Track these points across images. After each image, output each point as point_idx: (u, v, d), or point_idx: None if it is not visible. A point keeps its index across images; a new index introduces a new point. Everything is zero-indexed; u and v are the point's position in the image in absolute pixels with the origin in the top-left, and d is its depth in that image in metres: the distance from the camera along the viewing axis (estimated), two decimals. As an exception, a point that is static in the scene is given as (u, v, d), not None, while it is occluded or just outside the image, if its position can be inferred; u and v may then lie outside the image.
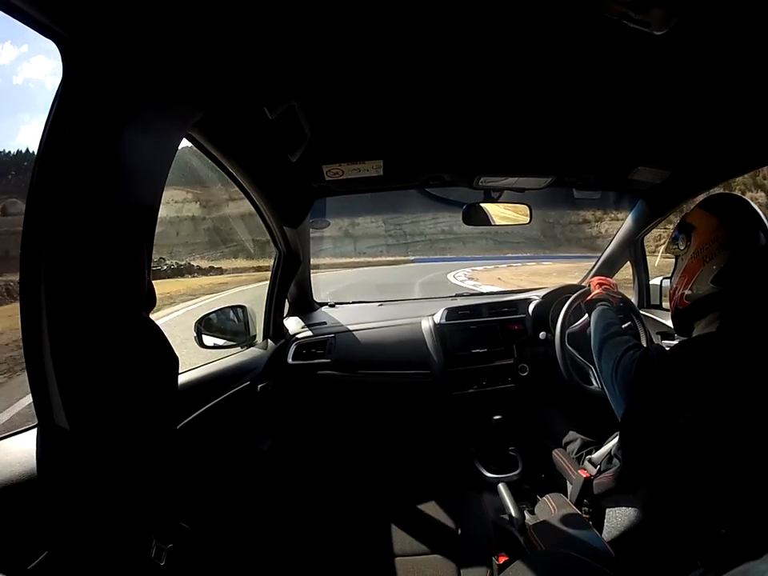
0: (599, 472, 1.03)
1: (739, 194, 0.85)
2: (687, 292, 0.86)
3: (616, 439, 1.04)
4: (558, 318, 1.45)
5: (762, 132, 1.08)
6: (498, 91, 0.93)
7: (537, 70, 0.85)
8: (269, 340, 1.59)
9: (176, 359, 0.71)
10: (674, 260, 0.94)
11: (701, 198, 1.03)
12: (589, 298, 1.24)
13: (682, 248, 0.89)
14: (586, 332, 1.34)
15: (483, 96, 0.95)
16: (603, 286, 1.26)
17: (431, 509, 1.10)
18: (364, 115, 1.03)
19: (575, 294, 1.43)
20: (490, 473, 1.46)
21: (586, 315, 1.34)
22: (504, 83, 0.90)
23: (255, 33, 0.67)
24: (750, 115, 1.02)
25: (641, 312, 1.53)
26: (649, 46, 0.71)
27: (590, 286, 1.31)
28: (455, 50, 0.77)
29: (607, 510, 0.94)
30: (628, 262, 1.95)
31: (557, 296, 1.71)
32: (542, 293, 1.79)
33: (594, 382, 1.31)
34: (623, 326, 1.20)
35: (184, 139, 0.76)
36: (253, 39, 0.69)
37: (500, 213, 1.60)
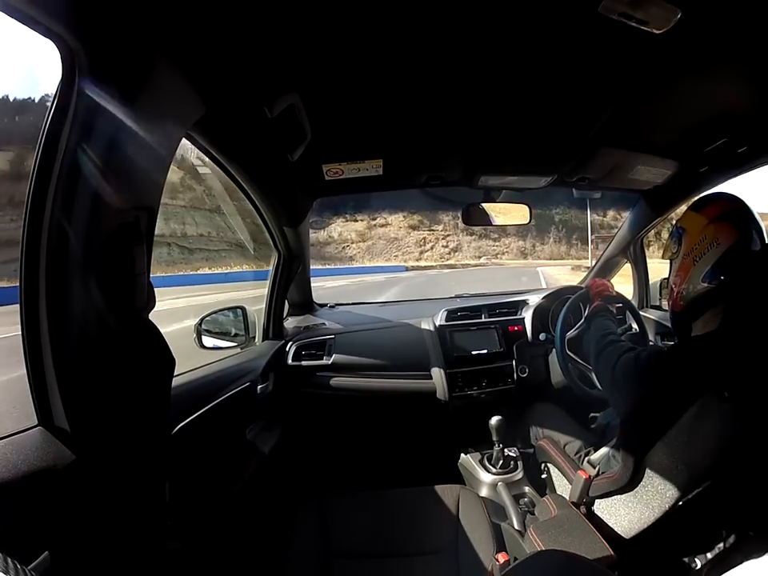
0: (599, 473, 1.03)
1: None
2: (681, 293, 0.87)
3: (616, 440, 1.04)
4: (558, 318, 1.44)
5: (762, 130, 1.08)
6: (498, 90, 0.93)
7: (536, 69, 0.85)
8: (268, 341, 1.59)
9: (173, 361, 0.72)
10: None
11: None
12: (590, 311, 1.24)
13: (674, 251, 0.90)
14: (583, 338, 1.34)
15: (483, 95, 0.95)
16: (603, 294, 1.26)
17: (431, 509, 1.10)
18: (364, 114, 1.03)
19: (575, 295, 1.43)
20: (490, 473, 1.46)
21: (582, 320, 1.33)
22: (504, 82, 0.90)
23: (255, 31, 0.67)
24: (750, 114, 1.02)
25: (641, 313, 1.53)
26: (648, 44, 0.71)
27: (589, 291, 1.31)
28: (455, 48, 0.76)
29: (607, 511, 0.94)
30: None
31: (557, 297, 1.72)
32: (542, 294, 1.79)
33: (598, 386, 1.31)
34: (621, 331, 1.20)
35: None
36: (253, 37, 0.69)
37: (500, 212, 1.60)
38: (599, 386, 1.29)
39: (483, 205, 1.56)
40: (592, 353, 1.06)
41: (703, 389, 0.72)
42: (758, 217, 0.81)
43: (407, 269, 34.44)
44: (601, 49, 0.77)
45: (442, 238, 45.52)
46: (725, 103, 0.98)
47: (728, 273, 0.79)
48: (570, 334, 1.37)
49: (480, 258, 43.66)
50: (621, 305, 1.52)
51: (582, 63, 0.82)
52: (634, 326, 1.50)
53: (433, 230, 45.73)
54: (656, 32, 0.66)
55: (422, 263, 40.11)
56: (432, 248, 45.07)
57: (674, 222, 0.96)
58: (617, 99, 0.98)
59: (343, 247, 43.69)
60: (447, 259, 42.84)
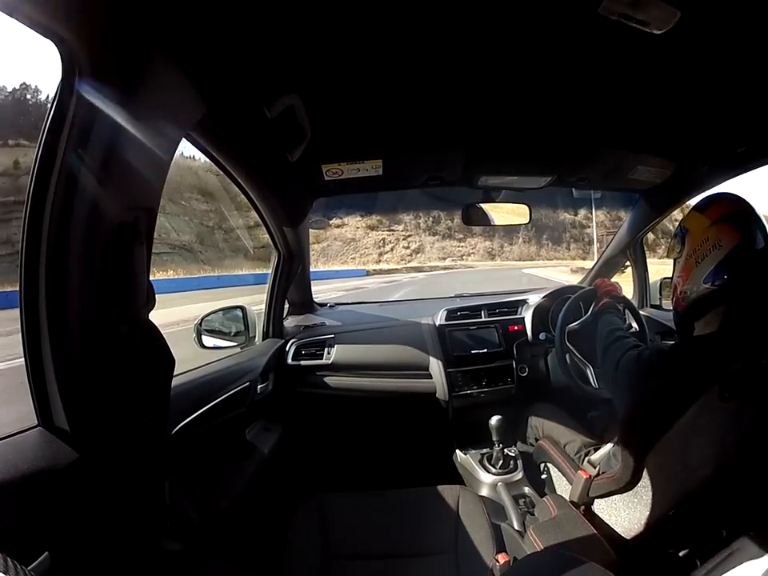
0: (599, 473, 1.03)
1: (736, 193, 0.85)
2: (683, 293, 0.87)
3: (616, 439, 1.04)
4: (558, 318, 1.44)
5: (763, 131, 1.08)
6: (498, 90, 0.93)
7: (536, 69, 0.85)
8: (268, 341, 1.59)
9: (172, 361, 0.72)
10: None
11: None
12: (598, 307, 1.25)
13: (677, 251, 0.90)
14: (584, 331, 1.35)
15: (483, 95, 0.95)
16: (611, 294, 1.28)
17: (431, 509, 1.10)
18: (363, 114, 1.03)
19: (575, 295, 1.43)
20: (490, 473, 1.46)
21: (587, 314, 1.34)
22: (504, 82, 0.90)
23: (255, 31, 0.67)
24: (750, 114, 1.02)
25: (641, 312, 1.53)
26: (648, 45, 0.72)
27: (597, 290, 1.32)
28: (455, 49, 0.77)
29: (607, 511, 0.94)
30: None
31: (557, 296, 1.72)
32: (542, 293, 1.79)
33: (592, 383, 1.32)
34: (627, 330, 1.21)
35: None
36: (253, 38, 0.69)
37: (500, 212, 1.60)
38: (593, 383, 1.31)
39: (482, 205, 1.56)
40: (599, 348, 1.06)
41: (703, 389, 0.72)
42: (761, 218, 0.80)
43: (368, 273, 29.88)
44: (600, 49, 0.77)
45: (403, 239, 42.05)
46: (724, 103, 0.98)
47: (730, 274, 0.79)
48: (572, 326, 1.37)
49: (445, 259, 40.29)
50: (623, 300, 1.52)
51: (581, 63, 0.82)
52: (634, 324, 1.50)
53: (393, 231, 42.28)
54: (656, 33, 0.66)
55: (384, 266, 35.82)
56: (392, 249, 41.44)
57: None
58: (617, 99, 0.98)
59: (295, 248, 40.38)
60: (409, 261, 39.60)
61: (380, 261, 39.60)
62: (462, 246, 43.89)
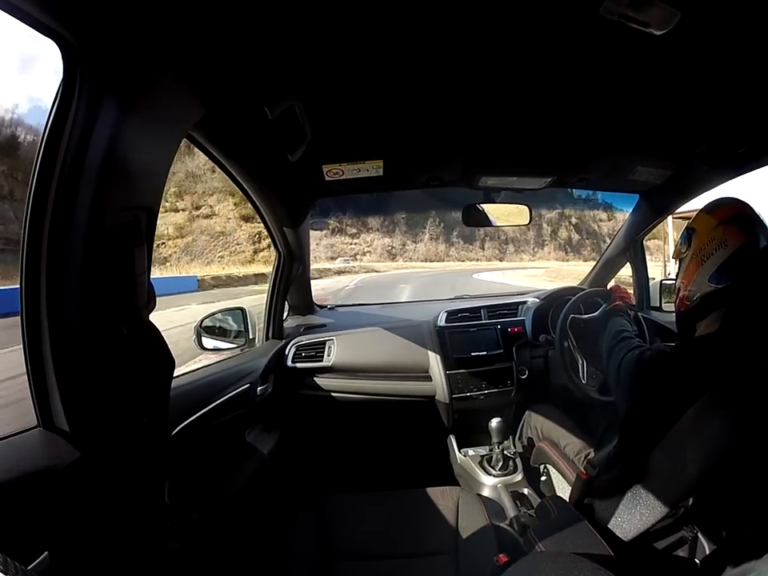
0: (599, 474, 1.03)
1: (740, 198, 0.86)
2: (687, 293, 0.87)
3: (615, 441, 1.04)
4: (558, 319, 1.45)
5: (763, 131, 1.08)
6: (498, 91, 0.94)
7: (537, 70, 0.85)
8: (268, 342, 1.59)
9: (172, 362, 0.71)
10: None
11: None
12: (611, 307, 1.28)
13: (683, 251, 0.91)
14: (589, 327, 1.37)
15: (483, 96, 0.96)
16: (624, 300, 1.31)
17: (431, 510, 1.10)
18: (364, 115, 1.03)
19: (595, 289, 1.44)
20: (490, 475, 1.46)
21: (598, 311, 1.36)
22: (504, 83, 0.90)
23: (256, 32, 0.68)
24: (750, 115, 1.02)
25: (641, 314, 1.53)
26: (648, 46, 0.72)
27: (612, 293, 1.35)
28: (456, 50, 0.77)
29: (607, 511, 0.94)
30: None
31: (556, 298, 1.72)
32: (542, 295, 1.79)
33: (581, 376, 1.34)
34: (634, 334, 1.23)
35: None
36: (254, 39, 0.69)
37: (500, 213, 1.60)
38: (582, 377, 1.34)
39: (482, 206, 1.57)
40: (605, 347, 1.09)
41: (703, 390, 0.73)
42: (765, 222, 0.82)
43: (200, 283, 18.49)
44: (601, 50, 0.77)
45: (283, 234, 36.40)
46: (724, 104, 0.98)
47: (734, 275, 0.80)
48: (577, 316, 1.39)
49: (335, 259, 34.74)
50: (635, 310, 1.54)
51: (582, 64, 0.82)
52: (634, 327, 1.50)
53: (271, 224, 36.47)
54: (656, 33, 0.66)
55: (252, 269, 25.41)
56: (270, 246, 33.40)
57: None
58: (617, 100, 0.98)
59: (157, 245, 31.47)
60: (290, 260, 34.00)
61: (253, 260, 31.62)
62: (356, 244, 39.18)
